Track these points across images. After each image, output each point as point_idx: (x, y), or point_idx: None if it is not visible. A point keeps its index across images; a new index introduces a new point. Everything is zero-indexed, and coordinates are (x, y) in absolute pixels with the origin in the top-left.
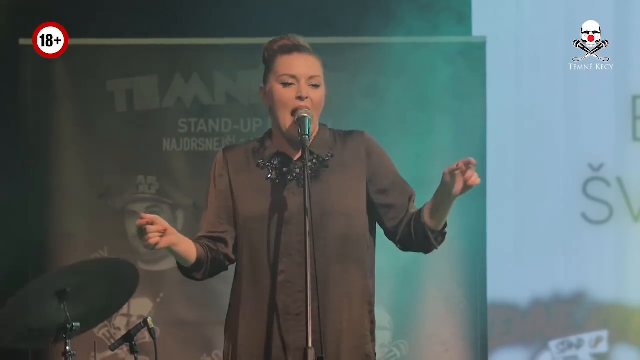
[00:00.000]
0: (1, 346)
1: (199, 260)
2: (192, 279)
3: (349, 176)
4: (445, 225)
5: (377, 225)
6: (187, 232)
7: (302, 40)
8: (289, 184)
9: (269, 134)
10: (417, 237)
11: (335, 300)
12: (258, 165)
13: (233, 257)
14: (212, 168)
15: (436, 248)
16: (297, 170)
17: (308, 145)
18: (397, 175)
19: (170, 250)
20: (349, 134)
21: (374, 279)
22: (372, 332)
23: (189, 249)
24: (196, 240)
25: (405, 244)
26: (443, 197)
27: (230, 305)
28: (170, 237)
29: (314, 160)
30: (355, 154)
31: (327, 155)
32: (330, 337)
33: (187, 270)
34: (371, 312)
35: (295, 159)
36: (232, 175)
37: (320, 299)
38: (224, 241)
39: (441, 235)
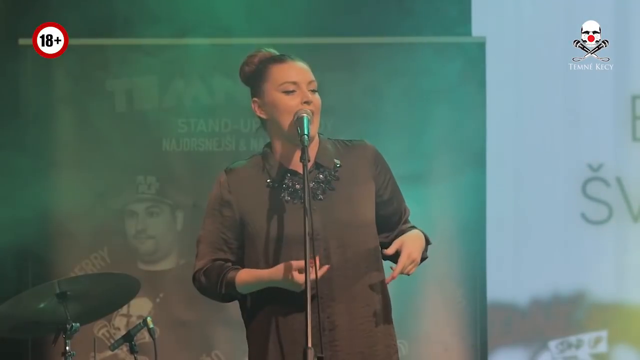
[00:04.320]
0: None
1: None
2: (233, 300)
3: (362, 186)
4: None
5: None
6: (186, 232)
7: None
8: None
9: (270, 149)
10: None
11: (364, 309)
12: (268, 185)
13: None
14: (214, 190)
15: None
16: (311, 184)
17: (308, 145)
18: (397, 188)
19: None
20: (351, 143)
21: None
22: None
23: None
24: (223, 263)
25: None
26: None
27: (251, 326)
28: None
29: (325, 172)
30: (364, 163)
31: (336, 166)
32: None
33: (236, 294)
34: (391, 319)
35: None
36: (240, 200)
37: (347, 309)
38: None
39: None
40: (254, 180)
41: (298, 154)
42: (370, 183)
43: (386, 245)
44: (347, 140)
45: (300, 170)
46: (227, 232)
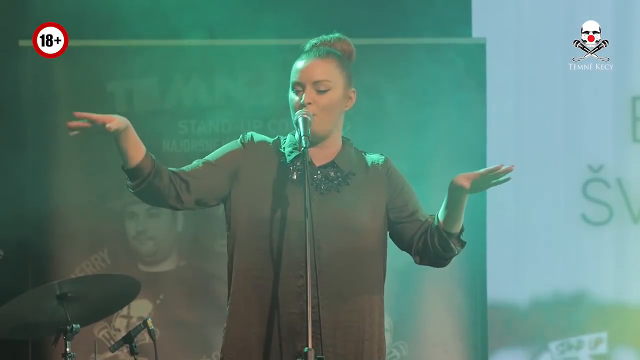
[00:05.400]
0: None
1: (138, 168)
2: (128, 187)
3: (369, 196)
4: (462, 230)
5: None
6: (187, 233)
7: (337, 37)
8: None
9: (294, 134)
10: (434, 242)
11: (350, 313)
12: (281, 163)
13: (184, 202)
14: (234, 141)
15: (455, 254)
16: (319, 177)
17: (307, 146)
18: (416, 197)
19: (115, 141)
20: (371, 156)
21: (383, 299)
22: (384, 353)
23: (135, 151)
24: (162, 164)
25: (422, 254)
26: (455, 196)
27: (232, 313)
28: (118, 121)
29: (338, 173)
30: (377, 178)
31: (351, 173)
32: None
33: (126, 174)
34: (382, 330)
35: (317, 164)
36: (248, 167)
37: (332, 312)
38: (187, 184)
39: (459, 240)
40: (269, 152)
41: (313, 149)
42: (381, 195)
43: (411, 240)
44: (368, 153)
45: (317, 162)
46: (213, 173)
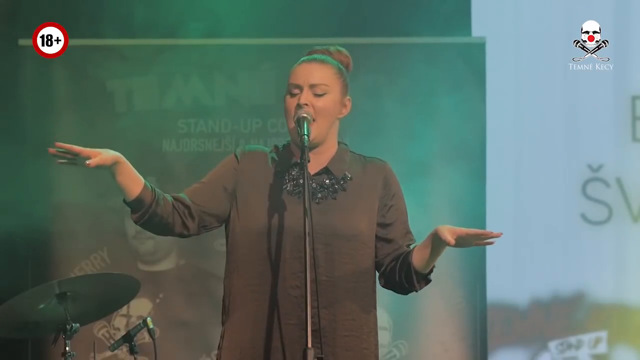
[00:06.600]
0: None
1: (138, 200)
2: (132, 220)
3: (365, 202)
4: (431, 271)
5: None
6: None
7: (336, 48)
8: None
9: (289, 144)
10: (401, 273)
11: (348, 322)
12: (276, 172)
13: (190, 228)
14: (227, 157)
15: (416, 291)
16: (314, 185)
17: (308, 146)
18: (405, 216)
19: (111, 176)
20: (370, 160)
21: (376, 307)
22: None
23: (132, 184)
24: (163, 193)
25: (387, 279)
26: (436, 245)
27: (229, 324)
28: (104, 157)
29: (333, 180)
30: (373, 182)
31: (346, 178)
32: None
33: (128, 207)
34: (377, 339)
35: (312, 172)
36: (244, 180)
37: (331, 321)
38: (189, 209)
39: (424, 280)
40: (265, 163)
41: (310, 156)
42: (374, 202)
43: (382, 261)
44: (367, 157)
45: (311, 170)
46: (212, 194)
